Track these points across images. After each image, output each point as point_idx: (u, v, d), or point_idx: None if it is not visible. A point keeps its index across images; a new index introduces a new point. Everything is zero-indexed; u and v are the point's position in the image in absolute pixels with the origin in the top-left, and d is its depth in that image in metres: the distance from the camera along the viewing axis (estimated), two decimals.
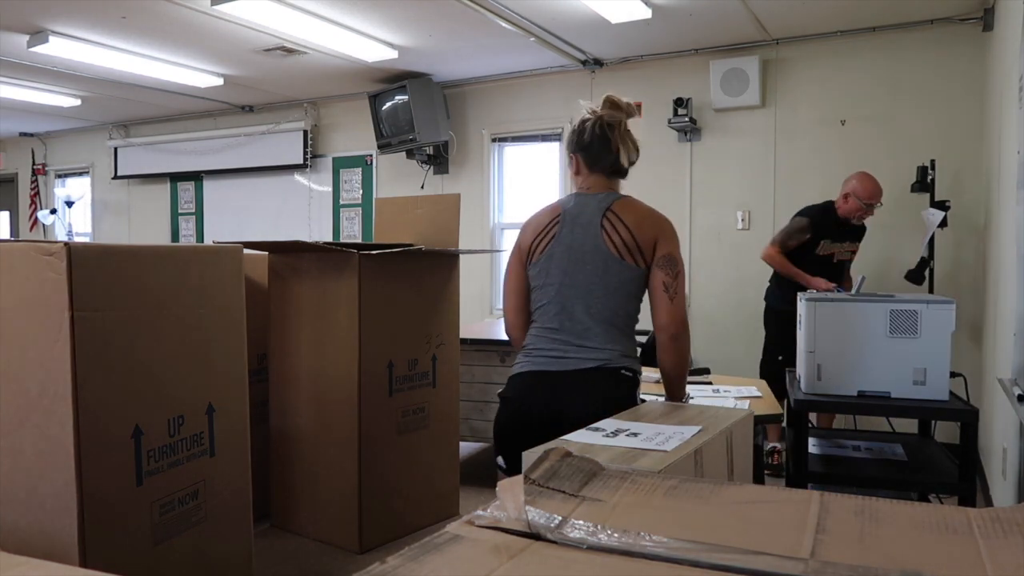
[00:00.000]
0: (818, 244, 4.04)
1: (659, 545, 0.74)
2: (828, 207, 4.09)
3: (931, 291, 4.15)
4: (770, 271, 4.23)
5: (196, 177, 7.42)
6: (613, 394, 1.92)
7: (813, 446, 2.86)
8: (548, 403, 1.93)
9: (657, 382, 2.90)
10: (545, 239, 2.05)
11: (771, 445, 4.13)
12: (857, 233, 4.16)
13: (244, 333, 2.25)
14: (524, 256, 2.10)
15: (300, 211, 6.89)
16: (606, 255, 1.97)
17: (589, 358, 1.96)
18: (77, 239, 7.70)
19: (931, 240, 4.10)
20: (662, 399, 2.07)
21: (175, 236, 7.57)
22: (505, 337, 4.21)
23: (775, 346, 4.15)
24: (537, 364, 2.00)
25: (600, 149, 2.08)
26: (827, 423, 4.12)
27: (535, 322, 2.08)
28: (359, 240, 6.56)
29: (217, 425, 2.15)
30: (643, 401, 2.03)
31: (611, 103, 2.10)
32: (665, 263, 1.99)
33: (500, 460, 2.05)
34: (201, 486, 2.07)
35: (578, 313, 1.99)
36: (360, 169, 6.62)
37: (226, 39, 4.85)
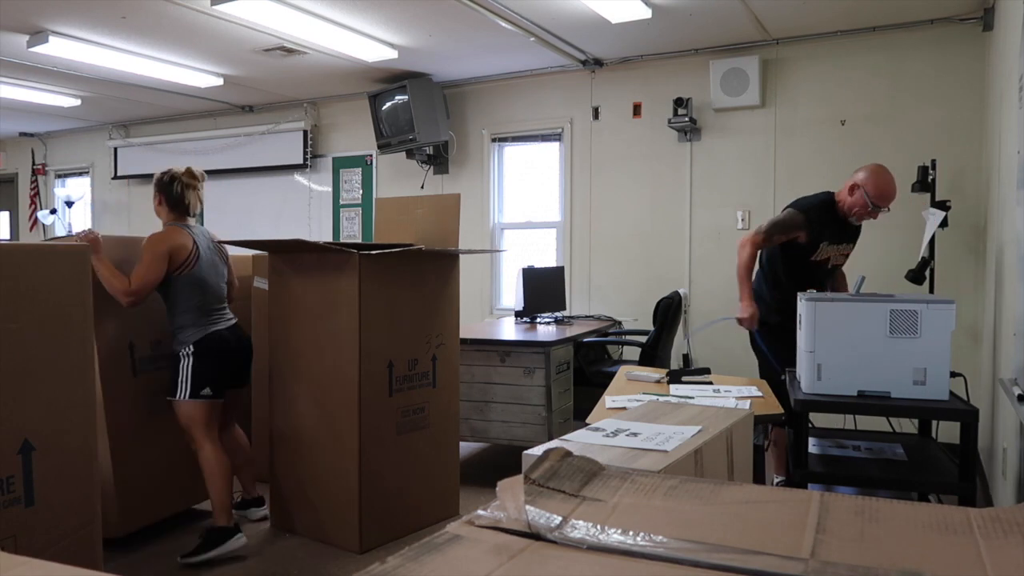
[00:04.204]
0: (816, 248, 3.45)
1: (659, 545, 0.74)
2: (829, 202, 3.47)
3: (931, 291, 4.15)
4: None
5: None
6: None
7: (813, 446, 2.86)
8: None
9: (657, 382, 2.90)
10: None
11: (778, 479, 3.57)
12: (855, 233, 3.60)
13: (88, 353, 1.89)
14: None
15: (300, 211, 6.89)
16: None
17: None
18: None
19: (931, 240, 4.09)
20: (661, 399, 2.07)
21: None
22: (505, 337, 4.24)
23: (776, 365, 3.42)
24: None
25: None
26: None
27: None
28: (359, 240, 6.56)
29: (36, 467, 1.73)
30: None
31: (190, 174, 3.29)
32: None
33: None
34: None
35: None
36: (360, 169, 6.62)
37: (226, 39, 4.85)
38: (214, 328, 3.19)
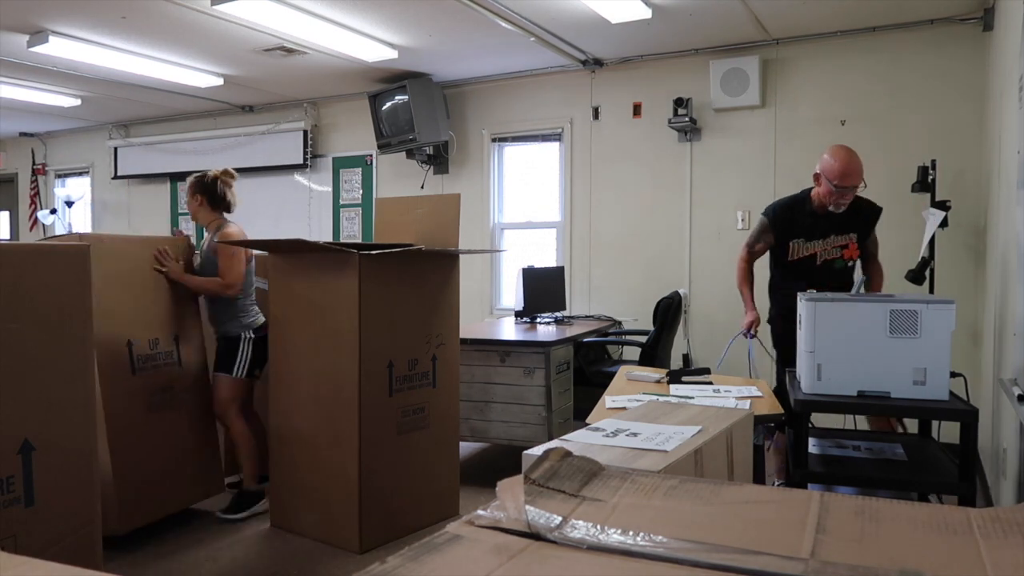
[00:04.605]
0: (787, 247, 3.43)
1: (659, 545, 0.74)
2: (798, 199, 3.45)
3: (931, 291, 4.15)
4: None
5: None
6: None
7: (813, 446, 2.86)
8: None
9: (657, 382, 2.90)
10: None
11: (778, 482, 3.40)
12: (848, 223, 3.37)
13: (87, 353, 1.89)
14: None
15: (300, 211, 6.89)
16: None
17: None
18: None
19: (931, 240, 4.09)
20: (661, 399, 2.07)
21: None
22: (505, 337, 4.24)
23: (779, 363, 3.58)
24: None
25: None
26: (884, 425, 3.39)
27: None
28: (359, 240, 6.56)
29: (36, 467, 1.73)
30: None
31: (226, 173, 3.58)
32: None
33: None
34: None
35: None
36: (360, 169, 6.62)
37: (226, 39, 4.85)
38: (262, 319, 3.57)
